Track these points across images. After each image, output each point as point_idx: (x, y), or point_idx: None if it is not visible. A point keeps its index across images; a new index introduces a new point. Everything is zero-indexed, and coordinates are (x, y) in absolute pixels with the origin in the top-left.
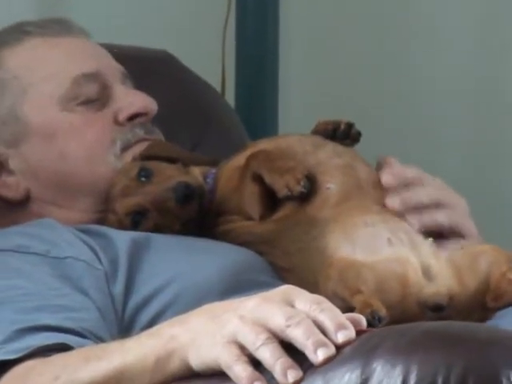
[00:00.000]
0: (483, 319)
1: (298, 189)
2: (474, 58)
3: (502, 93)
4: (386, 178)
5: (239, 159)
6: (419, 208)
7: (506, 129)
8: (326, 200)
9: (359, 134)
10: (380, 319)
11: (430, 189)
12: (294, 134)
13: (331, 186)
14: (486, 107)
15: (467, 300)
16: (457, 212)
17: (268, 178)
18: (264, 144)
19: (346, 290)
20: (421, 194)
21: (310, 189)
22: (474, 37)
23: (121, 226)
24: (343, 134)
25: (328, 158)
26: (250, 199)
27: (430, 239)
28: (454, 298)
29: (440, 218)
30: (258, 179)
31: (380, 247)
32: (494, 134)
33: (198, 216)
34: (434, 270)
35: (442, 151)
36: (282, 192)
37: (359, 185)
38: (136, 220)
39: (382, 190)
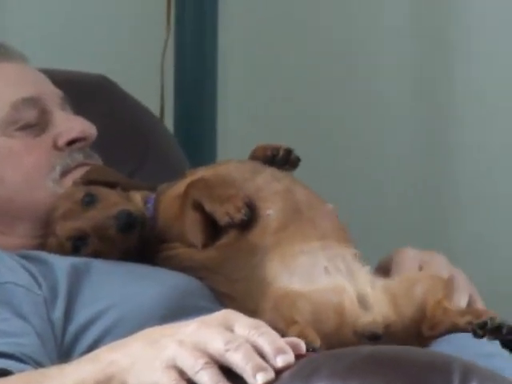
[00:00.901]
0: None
1: (239, 216)
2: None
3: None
4: None
5: (179, 187)
6: None
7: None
8: (266, 227)
9: (298, 160)
10: (314, 350)
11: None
12: (232, 160)
13: (271, 212)
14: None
15: (403, 328)
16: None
17: (208, 207)
18: (203, 171)
19: (282, 320)
20: None
21: (251, 216)
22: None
23: (61, 249)
24: (282, 160)
25: (267, 184)
26: (192, 227)
27: (368, 267)
28: (390, 327)
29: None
30: (199, 207)
31: (317, 276)
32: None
33: (138, 243)
34: (370, 299)
35: (383, 168)
36: (222, 220)
37: (298, 209)
38: (76, 245)
39: (321, 212)
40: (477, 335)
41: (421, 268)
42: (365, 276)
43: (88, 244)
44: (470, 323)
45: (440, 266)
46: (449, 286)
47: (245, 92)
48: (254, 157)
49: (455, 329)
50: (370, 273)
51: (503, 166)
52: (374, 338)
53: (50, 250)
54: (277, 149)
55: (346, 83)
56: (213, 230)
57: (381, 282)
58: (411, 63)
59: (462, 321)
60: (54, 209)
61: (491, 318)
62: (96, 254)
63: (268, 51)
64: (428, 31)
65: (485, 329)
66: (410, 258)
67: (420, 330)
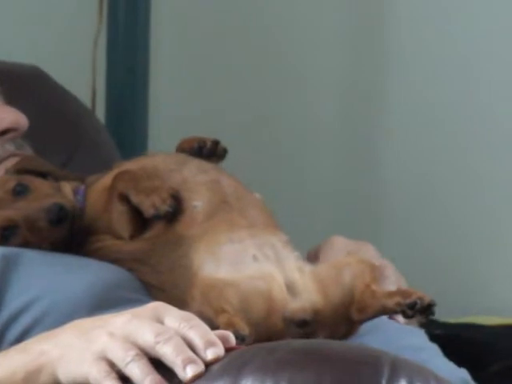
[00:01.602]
0: (350, 332)
1: (165, 208)
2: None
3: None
4: None
5: (106, 180)
6: None
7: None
8: (194, 218)
9: (225, 151)
10: (243, 338)
11: None
12: (158, 153)
13: (198, 203)
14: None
15: (332, 314)
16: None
17: (134, 199)
18: (129, 164)
19: (211, 310)
20: None
21: (177, 208)
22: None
23: None
24: (209, 152)
25: (193, 175)
26: (119, 219)
27: (297, 253)
28: (319, 313)
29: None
30: (125, 199)
31: (245, 264)
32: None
33: (67, 236)
34: (298, 285)
35: (313, 160)
36: (148, 212)
37: (226, 200)
38: (5, 234)
39: (249, 201)
40: (406, 315)
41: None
42: (294, 262)
43: (17, 234)
44: (398, 304)
45: (368, 255)
46: (377, 269)
47: (176, 84)
48: (181, 149)
49: (384, 311)
50: (299, 259)
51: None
52: (302, 324)
53: None
54: (203, 141)
55: (274, 76)
56: (140, 221)
57: (309, 267)
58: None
59: (390, 302)
60: None
61: (420, 298)
62: (25, 245)
63: (200, 43)
64: (362, 34)
65: (414, 309)
66: (337, 248)
67: (349, 314)
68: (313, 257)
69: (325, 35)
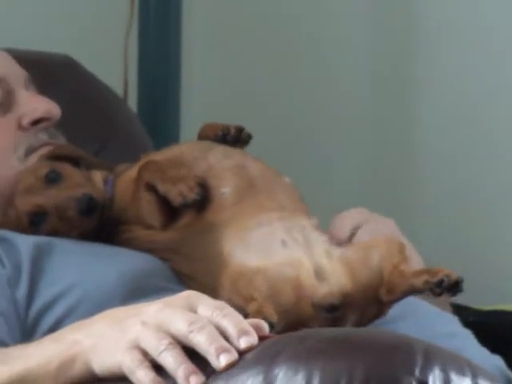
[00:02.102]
0: (379, 313)
1: (192, 196)
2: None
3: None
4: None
5: (132, 172)
6: None
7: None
8: (222, 204)
9: (250, 137)
10: (272, 325)
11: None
12: (183, 142)
13: (225, 189)
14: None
15: (361, 296)
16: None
17: (161, 188)
18: (155, 156)
19: (241, 298)
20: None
21: (205, 195)
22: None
23: (18, 222)
24: (233, 138)
25: (218, 161)
26: (148, 209)
27: (325, 237)
28: (348, 296)
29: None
30: (153, 189)
31: (273, 250)
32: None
33: (97, 226)
34: (327, 270)
35: (339, 151)
36: (176, 201)
37: (253, 184)
38: (34, 220)
39: (277, 184)
40: (434, 293)
41: (356, 230)
42: (322, 246)
43: (46, 221)
44: (426, 282)
45: (383, 229)
46: (404, 248)
47: (208, 72)
48: (205, 136)
49: (413, 290)
50: (327, 242)
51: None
52: (331, 309)
53: (8, 222)
54: (227, 128)
55: (304, 61)
56: (170, 211)
57: (338, 251)
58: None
59: (418, 281)
60: (18, 181)
61: (447, 275)
62: (53, 232)
63: (232, 32)
64: (392, 11)
65: (442, 286)
66: (345, 222)
67: (378, 295)
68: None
69: (355, 18)
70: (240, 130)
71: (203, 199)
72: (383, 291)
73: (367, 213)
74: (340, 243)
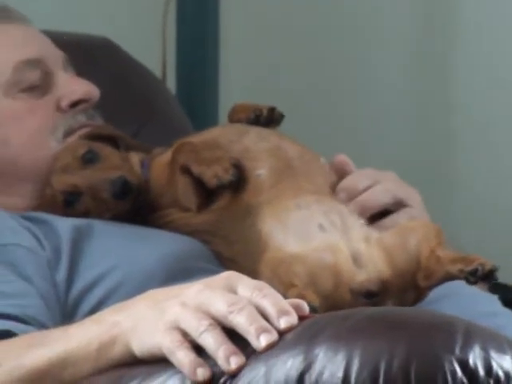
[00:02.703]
0: (417, 299)
1: (227, 178)
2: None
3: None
4: (342, 195)
5: (167, 155)
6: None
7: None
8: (259, 186)
9: (282, 116)
10: (314, 309)
11: (386, 187)
12: (216, 126)
13: (261, 171)
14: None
15: (399, 282)
16: (414, 208)
17: (196, 170)
18: (190, 139)
19: (280, 285)
20: (378, 197)
21: (240, 176)
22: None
23: (53, 201)
24: (266, 119)
25: (254, 144)
26: (185, 191)
27: (362, 220)
28: (386, 282)
29: (401, 220)
30: (188, 171)
31: (311, 234)
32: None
33: (130, 209)
34: (365, 256)
35: (378, 133)
36: (211, 182)
37: (290, 165)
38: (69, 200)
39: (314, 166)
40: (469, 282)
41: (374, 183)
42: (360, 231)
43: (80, 201)
44: (461, 271)
45: (391, 182)
46: (441, 232)
47: (247, 52)
48: (236, 119)
49: (448, 277)
50: (364, 226)
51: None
52: (370, 295)
53: (44, 201)
54: (259, 109)
55: (341, 41)
56: (206, 193)
57: (375, 235)
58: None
59: (453, 269)
60: (56, 159)
61: (481, 264)
62: (87, 213)
63: (270, 13)
64: None
65: (476, 276)
66: (359, 175)
67: (416, 281)
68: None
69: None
70: (272, 109)
71: (238, 180)
72: (421, 277)
73: (399, 182)
74: (353, 196)
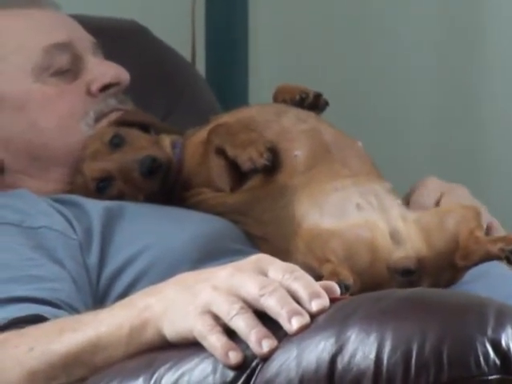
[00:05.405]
0: (454, 279)
1: (262, 161)
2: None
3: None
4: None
5: (202, 133)
6: None
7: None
8: (295, 167)
9: (327, 104)
10: (347, 287)
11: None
12: (255, 104)
13: (298, 153)
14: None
15: (436, 261)
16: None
17: (231, 152)
18: (225, 117)
19: (315, 260)
20: None
21: (274, 160)
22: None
23: (86, 188)
24: (311, 104)
25: (292, 125)
26: (218, 172)
27: (399, 200)
28: (423, 261)
29: None
30: (222, 153)
31: (348, 213)
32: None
33: (162, 189)
34: (402, 234)
35: (410, 115)
36: (245, 165)
37: (327, 149)
38: (101, 186)
39: (351, 150)
40: (510, 261)
41: (439, 200)
42: (397, 210)
43: (112, 186)
44: (502, 250)
45: (462, 197)
46: (480, 215)
47: (276, 35)
48: (281, 99)
49: (488, 257)
50: (402, 206)
51: None
52: (406, 272)
53: (76, 188)
54: (306, 92)
55: (371, 27)
56: (239, 173)
57: (413, 215)
58: None
59: (494, 248)
60: (85, 147)
61: None
62: (120, 196)
63: None
64: None
65: None
66: (429, 188)
67: (453, 261)
68: (404, 198)
69: None
70: (318, 95)
71: (272, 164)
72: (458, 257)
73: (443, 182)
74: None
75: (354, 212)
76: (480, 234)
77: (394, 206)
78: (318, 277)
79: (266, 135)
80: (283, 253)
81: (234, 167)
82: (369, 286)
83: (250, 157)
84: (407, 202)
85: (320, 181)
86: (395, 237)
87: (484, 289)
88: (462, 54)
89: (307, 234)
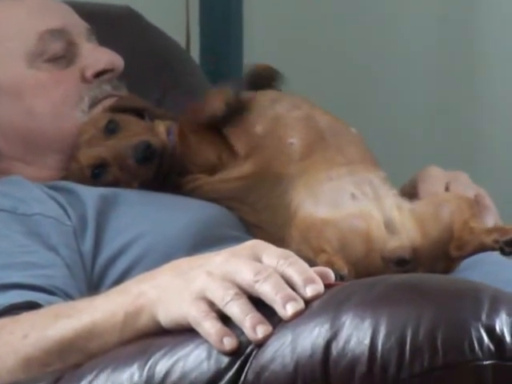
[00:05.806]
0: (448, 269)
1: (222, 107)
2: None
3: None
4: None
5: None
6: None
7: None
8: (291, 155)
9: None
10: (341, 277)
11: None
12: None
13: (293, 140)
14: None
15: (431, 251)
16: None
17: (195, 117)
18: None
19: (310, 250)
20: None
21: (242, 107)
22: None
23: (81, 175)
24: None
25: (287, 112)
26: (199, 149)
27: (395, 190)
28: (418, 251)
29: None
30: (196, 130)
31: (343, 203)
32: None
33: (158, 175)
34: (397, 223)
35: (406, 95)
36: (208, 115)
37: (321, 136)
38: (96, 172)
39: (345, 137)
40: (504, 253)
41: (447, 186)
42: (392, 199)
43: (107, 172)
44: (496, 241)
45: (465, 185)
46: (475, 205)
47: (271, 21)
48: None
49: (483, 248)
50: (397, 196)
51: None
52: (401, 262)
53: (71, 175)
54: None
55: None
56: (221, 147)
57: (408, 204)
58: None
59: (488, 239)
60: (80, 134)
61: None
62: (115, 183)
63: None
64: None
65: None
66: (435, 177)
67: (447, 251)
68: (408, 188)
69: None
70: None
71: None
72: (453, 247)
73: (444, 171)
74: None
75: (348, 202)
76: (475, 224)
77: (389, 196)
78: (313, 267)
79: (261, 122)
80: (278, 241)
81: (213, 143)
82: (363, 275)
83: (211, 107)
84: (405, 192)
85: (315, 170)
86: (390, 226)
87: (480, 276)
88: (461, 51)
89: (302, 224)
